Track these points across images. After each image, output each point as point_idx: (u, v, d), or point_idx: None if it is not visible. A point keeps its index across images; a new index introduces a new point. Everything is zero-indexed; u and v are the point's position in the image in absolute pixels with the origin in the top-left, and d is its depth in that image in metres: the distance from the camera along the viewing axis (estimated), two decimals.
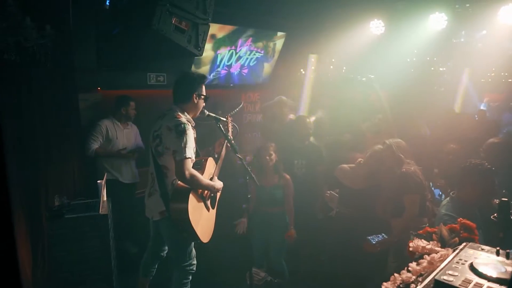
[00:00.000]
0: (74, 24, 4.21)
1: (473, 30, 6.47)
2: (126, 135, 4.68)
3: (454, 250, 1.82)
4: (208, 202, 3.06)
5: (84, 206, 3.55)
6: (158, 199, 2.86)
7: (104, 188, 3.69)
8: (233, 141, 3.14)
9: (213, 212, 3.16)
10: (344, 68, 7.09)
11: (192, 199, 2.79)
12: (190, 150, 2.75)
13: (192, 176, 2.72)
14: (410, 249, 2.04)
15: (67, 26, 4.15)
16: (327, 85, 6.77)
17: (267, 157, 3.92)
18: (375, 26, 5.61)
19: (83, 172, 4.34)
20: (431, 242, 2.02)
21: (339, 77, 6.74)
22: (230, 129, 3.29)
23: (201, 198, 2.95)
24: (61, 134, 4.13)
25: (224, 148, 3.31)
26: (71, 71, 4.26)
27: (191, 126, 2.93)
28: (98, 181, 3.59)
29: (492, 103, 9.11)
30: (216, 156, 3.30)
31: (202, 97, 2.99)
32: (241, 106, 4.44)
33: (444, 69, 8.73)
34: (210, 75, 5.78)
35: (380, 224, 3.56)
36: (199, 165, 2.97)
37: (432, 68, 8.39)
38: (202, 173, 2.92)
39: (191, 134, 2.80)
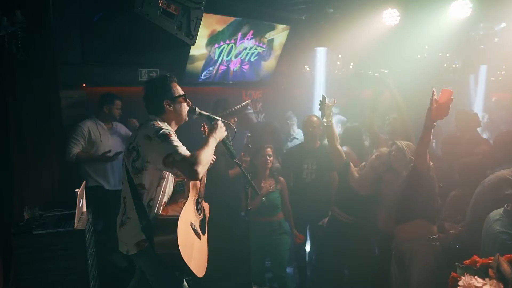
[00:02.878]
0: (55, 11, 3.78)
1: (493, 22, 6.01)
2: (111, 137, 4.22)
3: None
4: (198, 228, 2.56)
5: (59, 220, 3.08)
6: (132, 228, 2.34)
7: (82, 198, 3.24)
8: (230, 145, 2.65)
9: (204, 238, 2.67)
10: (352, 64, 6.62)
11: (181, 228, 2.29)
12: (184, 148, 2.26)
13: (203, 165, 2.21)
14: None
15: (45, 13, 3.72)
16: (336, 82, 6.31)
17: (268, 159, 3.68)
18: (389, 15, 5.13)
19: (63, 178, 3.92)
20: (488, 280, 1.54)
21: (348, 73, 6.28)
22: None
23: (190, 226, 2.46)
24: (39, 135, 3.71)
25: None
26: (51, 64, 3.84)
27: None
28: (76, 190, 3.12)
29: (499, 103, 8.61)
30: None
31: (180, 98, 2.48)
32: (245, 103, 3.98)
33: (457, 65, 8.24)
34: (205, 71, 5.31)
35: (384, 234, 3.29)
36: (182, 187, 2.51)
37: (445, 65, 7.92)
38: (187, 197, 2.46)
39: (175, 137, 2.32)
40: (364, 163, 3.58)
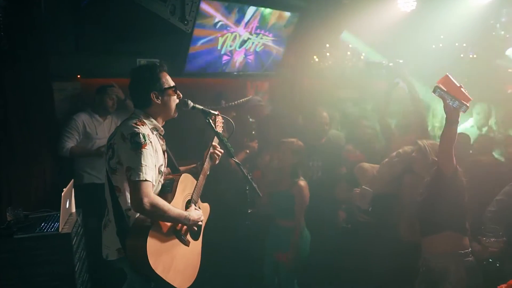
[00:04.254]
0: None
1: None
2: (107, 129, 3.98)
3: None
4: (187, 235, 2.28)
5: (45, 221, 2.86)
6: (113, 231, 2.11)
7: (70, 198, 3.01)
8: (227, 142, 2.38)
9: (195, 245, 2.38)
10: (363, 54, 6.28)
11: (154, 234, 2.03)
12: (151, 172, 2.00)
13: (153, 206, 1.95)
14: None
15: None
16: (345, 74, 6.00)
17: (290, 155, 3.37)
18: (405, 1, 4.80)
19: (57, 176, 3.71)
20: None
21: (359, 63, 5.96)
22: (221, 126, 2.51)
23: (173, 231, 2.18)
24: (30, 130, 3.50)
25: (207, 161, 2.49)
26: (42, 54, 3.61)
27: (158, 135, 2.23)
28: (64, 189, 2.89)
29: None
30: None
31: (169, 90, 2.21)
32: (248, 98, 3.71)
33: (475, 55, 7.85)
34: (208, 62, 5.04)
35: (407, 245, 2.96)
36: (169, 187, 2.22)
37: (462, 55, 7.54)
38: (171, 198, 2.16)
39: (151, 151, 2.05)
40: (385, 160, 3.31)
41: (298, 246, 3.32)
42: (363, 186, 3.28)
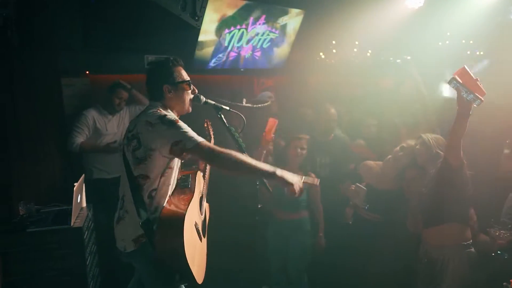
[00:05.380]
0: None
1: None
2: (117, 125, 4.01)
3: None
4: (200, 231, 2.34)
5: (57, 215, 2.89)
6: (130, 223, 2.12)
7: (81, 193, 3.04)
8: (239, 137, 2.40)
9: (204, 242, 2.45)
10: (370, 51, 6.26)
11: (187, 226, 2.06)
12: (194, 134, 2.06)
13: (226, 152, 2.02)
14: None
15: None
16: (352, 70, 5.97)
17: (299, 150, 3.42)
18: None
19: (66, 171, 3.74)
20: None
21: (367, 60, 5.92)
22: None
23: (194, 225, 2.24)
24: (39, 126, 3.53)
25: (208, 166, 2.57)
26: (51, 50, 3.63)
27: None
28: (75, 184, 2.92)
29: None
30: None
31: (183, 84, 2.24)
32: (268, 103, 3.73)
33: (482, 53, 7.80)
34: (215, 58, 5.03)
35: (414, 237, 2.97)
36: (186, 182, 2.27)
37: (468, 52, 7.50)
38: (191, 194, 2.21)
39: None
40: (389, 156, 3.31)
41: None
42: (357, 184, 3.29)
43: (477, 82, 2.14)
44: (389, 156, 3.31)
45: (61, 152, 3.71)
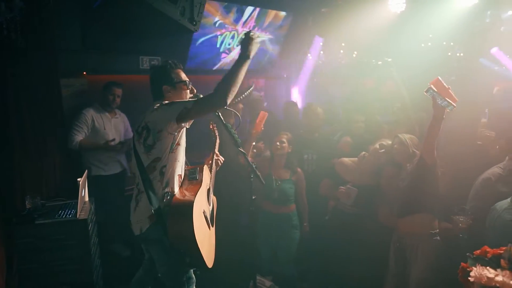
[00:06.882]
0: None
1: (499, 10, 5.88)
2: (114, 125, 4.18)
3: None
4: (209, 219, 2.56)
5: (61, 209, 3.05)
6: (144, 203, 2.31)
7: (84, 187, 3.20)
8: (235, 133, 2.61)
9: (213, 230, 2.66)
10: (356, 52, 6.51)
11: (196, 211, 2.27)
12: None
13: (230, 89, 2.17)
14: (471, 279, 1.53)
15: None
16: (338, 71, 6.21)
17: (277, 144, 3.59)
18: (395, 2, 5.03)
19: (65, 168, 3.87)
20: (500, 271, 1.51)
21: (351, 61, 6.17)
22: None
23: (203, 213, 2.46)
24: (40, 124, 3.66)
25: (214, 162, 2.81)
26: (51, 51, 3.75)
27: None
28: (78, 179, 3.08)
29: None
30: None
31: (182, 85, 2.46)
32: (251, 88, 3.89)
33: (462, 54, 8.12)
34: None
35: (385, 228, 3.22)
36: (194, 174, 2.48)
37: (449, 54, 7.81)
38: (199, 185, 2.43)
39: None
40: (363, 152, 3.53)
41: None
42: (348, 186, 3.47)
43: (449, 90, 2.42)
44: (364, 153, 3.53)
45: (62, 150, 3.84)
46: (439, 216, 2.99)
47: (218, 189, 2.92)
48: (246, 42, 2.19)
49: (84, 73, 4.41)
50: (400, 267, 2.96)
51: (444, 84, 2.43)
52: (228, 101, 2.17)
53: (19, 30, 3.10)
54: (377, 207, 3.36)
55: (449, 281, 1.71)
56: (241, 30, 5.37)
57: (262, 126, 3.47)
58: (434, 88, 2.40)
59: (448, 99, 2.40)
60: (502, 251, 1.61)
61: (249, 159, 2.70)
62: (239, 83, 2.19)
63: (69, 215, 2.93)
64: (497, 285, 1.43)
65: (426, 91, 2.42)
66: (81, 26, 4.07)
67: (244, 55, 2.18)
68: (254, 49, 2.20)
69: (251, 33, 2.21)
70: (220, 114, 2.56)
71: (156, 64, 4.66)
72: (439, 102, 2.42)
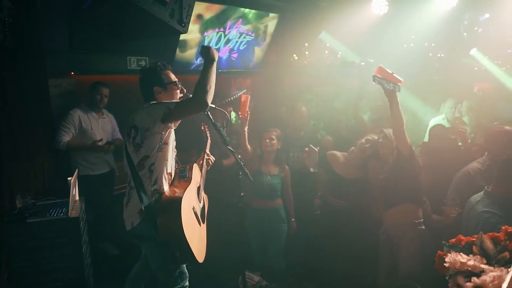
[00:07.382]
0: None
1: (477, 13, 6.10)
2: (102, 125, 4.21)
3: (508, 269, 1.44)
4: (199, 215, 2.63)
5: (52, 208, 3.08)
6: (135, 199, 2.38)
7: (75, 186, 3.23)
8: (224, 132, 2.69)
9: (204, 227, 2.74)
10: (340, 53, 6.66)
11: (184, 207, 2.35)
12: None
13: (207, 90, 2.30)
14: (445, 264, 1.65)
15: None
16: (322, 71, 6.34)
17: (267, 141, 3.68)
18: (378, 4, 5.18)
19: (54, 168, 3.89)
20: (472, 256, 1.63)
21: (335, 62, 6.31)
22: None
23: (192, 209, 2.53)
24: (29, 125, 3.66)
25: (204, 161, 2.90)
26: (39, 52, 3.77)
27: None
28: (69, 178, 3.12)
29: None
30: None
31: (172, 85, 2.54)
32: (244, 91, 3.98)
33: (443, 55, 8.35)
34: (197, 60, 5.29)
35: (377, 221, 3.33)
36: (184, 173, 2.56)
37: (431, 54, 8.02)
38: (188, 183, 2.50)
39: None
40: (353, 147, 3.66)
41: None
42: (310, 145, 3.61)
43: (393, 74, 2.55)
44: (353, 148, 3.67)
45: (50, 150, 3.85)
46: (427, 208, 3.12)
47: (208, 187, 3.00)
48: (207, 52, 2.35)
49: (72, 73, 4.42)
50: (389, 259, 3.06)
51: (388, 70, 2.56)
52: (209, 101, 2.29)
53: (7, 31, 3.10)
54: (367, 201, 3.49)
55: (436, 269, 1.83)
56: (228, 31, 5.45)
57: (247, 109, 3.49)
58: (378, 75, 2.54)
59: (393, 82, 2.53)
60: (474, 239, 1.73)
61: (238, 156, 2.79)
62: (213, 82, 2.32)
63: (60, 213, 2.96)
64: (469, 268, 1.55)
65: (373, 80, 2.55)
66: (69, 26, 4.07)
67: (208, 60, 2.33)
68: (215, 54, 2.37)
69: (206, 46, 2.39)
70: (209, 114, 2.64)
71: (144, 64, 4.70)
72: (387, 86, 2.54)
